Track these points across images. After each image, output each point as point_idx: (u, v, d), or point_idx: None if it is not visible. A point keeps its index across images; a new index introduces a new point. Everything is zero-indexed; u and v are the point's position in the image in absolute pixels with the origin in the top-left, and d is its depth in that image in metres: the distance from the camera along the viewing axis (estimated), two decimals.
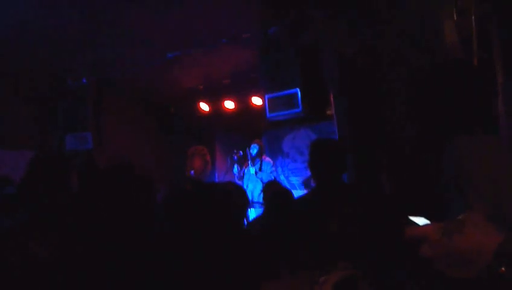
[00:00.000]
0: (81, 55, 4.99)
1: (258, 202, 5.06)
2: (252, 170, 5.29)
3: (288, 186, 6.68)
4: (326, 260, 1.21)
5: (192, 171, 5.95)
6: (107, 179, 1.56)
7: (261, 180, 5.13)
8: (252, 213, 5.05)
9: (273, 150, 7.25)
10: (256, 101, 6.42)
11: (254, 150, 5.40)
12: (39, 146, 5.61)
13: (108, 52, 4.95)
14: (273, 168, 5.40)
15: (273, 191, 3.27)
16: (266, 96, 4.51)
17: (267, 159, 5.53)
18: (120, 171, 1.60)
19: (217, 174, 7.31)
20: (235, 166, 5.50)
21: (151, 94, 6.46)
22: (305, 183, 6.70)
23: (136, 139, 6.57)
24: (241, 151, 5.51)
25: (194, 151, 5.74)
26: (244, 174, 5.44)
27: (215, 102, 6.91)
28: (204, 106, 7.00)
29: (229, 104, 6.85)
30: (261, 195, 5.18)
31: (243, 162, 5.60)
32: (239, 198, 1.43)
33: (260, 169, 5.33)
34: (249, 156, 5.39)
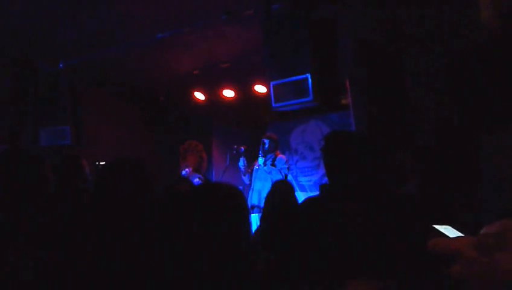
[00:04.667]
0: (56, 34, 4.96)
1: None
2: (261, 160, 5.30)
3: (296, 187, 6.67)
4: (339, 272, 1.21)
5: (185, 171, 5.93)
6: (107, 177, 1.63)
7: (270, 177, 5.17)
8: (255, 219, 5.05)
9: (279, 145, 7.25)
10: (260, 88, 6.40)
11: (265, 145, 5.40)
12: (9, 141, 5.61)
13: (88, 32, 4.92)
14: (286, 165, 5.39)
15: (276, 191, 3.29)
16: (271, 83, 4.48)
17: (281, 155, 5.54)
18: (122, 167, 1.67)
19: (214, 173, 7.35)
20: (242, 159, 5.51)
21: (138, 81, 6.45)
22: (317, 185, 6.69)
23: (121, 133, 6.56)
24: (242, 147, 5.49)
25: (187, 147, 5.70)
26: (253, 169, 5.45)
27: (212, 90, 6.87)
28: (199, 95, 6.98)
29: (228, 93, 6.83)
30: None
31: (248, 156, 5.62)
32: (240, 203, 1.43)
33: (273, 163, 5.33)
34: (260, 151, 5.39)
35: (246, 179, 5.58)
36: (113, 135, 6.40)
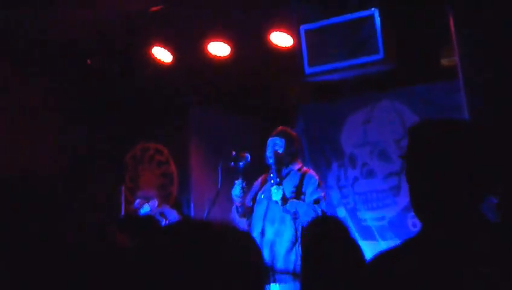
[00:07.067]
0: None
1: (286, 270, 5.04)
2: (278, 192, 5.17)
3: (354, 231, 6.60)
4: None
5: (137, 201, 5.84)
6: None
7: (292, 217, 5.14)
8: None
9: (319, 149, 7.24)
10: (280, 38, 6.38)
11: (279, 147, 5.36)
12: None
13: None
14: (322, 192, 5.36)
15: (318, 240, 3.29)
16: (302, 28, 4.45)
17: (310, 171, 5.51)
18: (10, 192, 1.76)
19: (192, 205, 7.36)
20: (238, 182, 5.45)
21: (46, 30, 6.47)
22: (395, 226, 6.64)
23: (20, 125, 6.64)
24: (247, 154, 5.45)
25: (140, 154, 5.62)
26: (257, 201, 5.48)
27: (188, 44, 6.87)
28: (162, 54, 7.00)
29: (219, 49, 6.83)
30: (295, 253, 5.15)
31: (247, 174, 5.57)
32: (254, 267, 1.43)
33: (297, 194, 5.27)
34: (273, 173, 5.33)
35: (242, 222, 5.51)
36: (4, 129, 6.49)
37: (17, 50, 6.69)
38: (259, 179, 5.58)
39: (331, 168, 7.10)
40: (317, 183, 5.31)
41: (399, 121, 6.83)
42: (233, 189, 5.43)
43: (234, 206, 5.52)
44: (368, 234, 6.73)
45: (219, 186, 5.65)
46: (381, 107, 6.99)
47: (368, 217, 6.90)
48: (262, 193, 5.37)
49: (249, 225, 5.47)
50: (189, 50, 6.91)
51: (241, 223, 5.49)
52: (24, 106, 6.81)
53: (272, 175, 5.24)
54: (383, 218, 6.83)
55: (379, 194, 6.90)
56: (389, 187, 6.84)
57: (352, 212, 6.91)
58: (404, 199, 6.53)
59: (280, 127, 5.60)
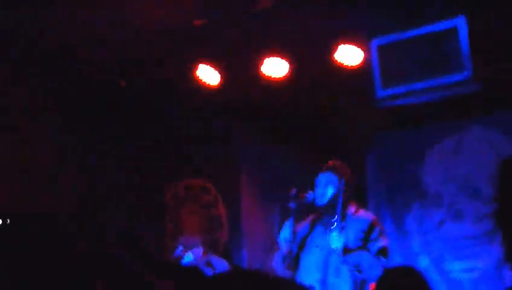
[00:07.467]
0: None
1: None
2: (337, 238, 5.23)
3: (439, 284, 6.58)
4: None
5: (180, 249, 5.86)
6: None
7: (353, 270, 5.17)
8: None
9: (396, 186, 7.20)
10: (347, 55, 6.39)
11: (329, 188, 5.38)
12: None
13: None
14: (386, 240, 5.39)
15: None
16: (375, 43, 4.51)
17: (374, 217, 5.55)
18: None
19: (245, 252, 7.45)
20: (289, 225, 5.43)
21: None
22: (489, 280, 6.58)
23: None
24: (310, 192, 5.45)
25: (184, 193, 5.67)
26: (306, 250, 5.49)
27: (240, 63, 6.95)
28: (208, 74, 7.07)
29: (276, 68, 6.85)
30: None
31: (304, 214, 5.58)
32: None
33: (364, 243, 5.24)
34: (324, 206, 5.43)
35: (287, 274, 5.43)
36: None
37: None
38: (306, 223, 5.59)
39: (411, 208, 7.00)
40: (379, 229, 5.35)
41: (493, 152, 6.71)
42: (282, 231, 5.50)
43: (279, 254, 5.54)
44: (457, 288, 6.68)
45: (276, 232, 5.69)
46: (471, 136, 6.89)
47: (457, 267, 6.79)
48: (312, 241, 5.42)
49: (295, 277, 5.41)
50: (240, 70, 6.95)
51: (286, 275, 5.42)
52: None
53: (326, 218, 5.34)
54: (474, 269, 6.71)
55: (470, 241, 6.76)
56: (482, 232, 6.69)
57: (437, 262, 6.81)
58: (497, 248, 6.44)
59: (332, 162, 5.64)
